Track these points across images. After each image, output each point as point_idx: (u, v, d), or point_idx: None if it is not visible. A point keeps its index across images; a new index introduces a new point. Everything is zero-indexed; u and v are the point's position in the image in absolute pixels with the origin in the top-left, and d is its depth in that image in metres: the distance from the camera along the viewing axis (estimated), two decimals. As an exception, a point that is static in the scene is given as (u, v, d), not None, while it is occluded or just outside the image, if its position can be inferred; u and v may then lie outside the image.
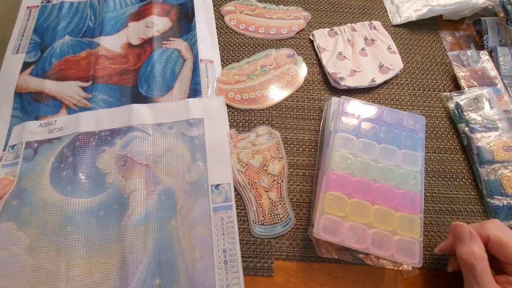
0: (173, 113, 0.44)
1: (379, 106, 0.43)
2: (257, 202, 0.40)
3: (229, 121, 0.46)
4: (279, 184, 0.41)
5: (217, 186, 0.40)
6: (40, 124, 0.43)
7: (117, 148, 0.41)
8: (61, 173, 0.39)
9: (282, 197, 0.41)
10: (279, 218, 0.40)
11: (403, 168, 0.39)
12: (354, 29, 0.54)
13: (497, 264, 0.32)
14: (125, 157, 0.40)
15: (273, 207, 0.40)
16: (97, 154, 0.40)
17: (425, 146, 0.46)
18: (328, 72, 0.49)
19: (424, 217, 0.41)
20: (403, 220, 0.35)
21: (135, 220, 0.36)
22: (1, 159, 0.41)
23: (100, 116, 0.43)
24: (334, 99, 0.45)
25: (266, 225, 0.39)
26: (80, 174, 0.39)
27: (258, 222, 0.39)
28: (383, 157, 0.39)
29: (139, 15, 0.52)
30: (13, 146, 0.42)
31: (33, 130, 0.42)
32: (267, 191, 0.41)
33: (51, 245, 0.35)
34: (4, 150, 0.42)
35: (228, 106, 0.47)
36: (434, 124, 0.48)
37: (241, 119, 0.46)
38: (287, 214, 0.40)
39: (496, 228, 0.32)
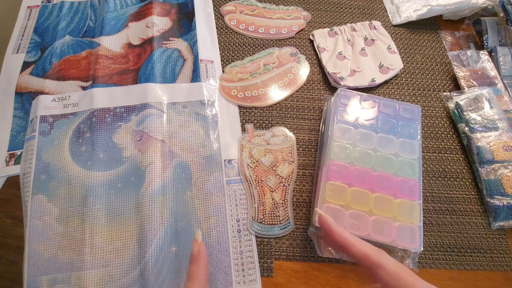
0: (187, 93, 0.46)
1: (375, 97, 0.43)
2: (259, 200, 0.40)
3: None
4: (285, 187, 0.41)
5: (229, 161, 0.42)
6: (54, 98, 0.44)
7: (133, 124, 0.43)
8: (80, 148, 0.41)
9: (286, 200, 0.41)
10: (278, 220, 0.40)
11: (401, 156, 0.39)
12: (354, 29, 0.54)
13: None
14: (141, 132, 0.42)
15: (274, 208, 0.40)
16: (113, 130, 0.42)
17: (425, 146, 0.46)
18: (328, 72, 0.49)
19: (424, 217, 0.41)
20: (403, 207, 0.36)
21: (152, 191, 0.38)
22: (6, 161, 0.42)
23: (115, 93, 0.45)
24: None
25: (264, 224, 0.39)
26: (98, 149, 0.41)
27: (257, 219, 0.39)
28: (381, 146, 0.40)
29: (140, 15, 0.52)
30: (31, 120, 0.43)
31: (47, 104, 0.43)
32: (272, 191, 0.41)
33: (76, 215, 0.38)
34: (8, 150, 0.42)
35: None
36: (434, 124, 0.48)
37: (244, 116, 0.46)
38: (287, 218, 0.40)
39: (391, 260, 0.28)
